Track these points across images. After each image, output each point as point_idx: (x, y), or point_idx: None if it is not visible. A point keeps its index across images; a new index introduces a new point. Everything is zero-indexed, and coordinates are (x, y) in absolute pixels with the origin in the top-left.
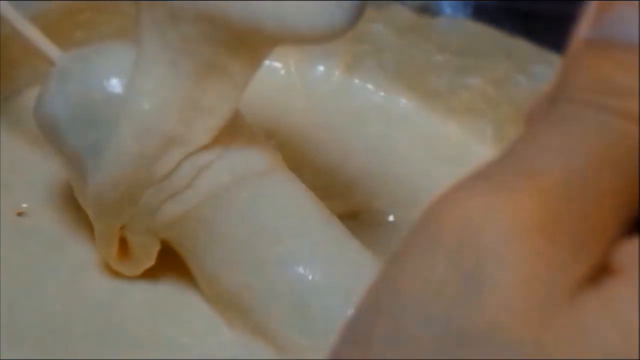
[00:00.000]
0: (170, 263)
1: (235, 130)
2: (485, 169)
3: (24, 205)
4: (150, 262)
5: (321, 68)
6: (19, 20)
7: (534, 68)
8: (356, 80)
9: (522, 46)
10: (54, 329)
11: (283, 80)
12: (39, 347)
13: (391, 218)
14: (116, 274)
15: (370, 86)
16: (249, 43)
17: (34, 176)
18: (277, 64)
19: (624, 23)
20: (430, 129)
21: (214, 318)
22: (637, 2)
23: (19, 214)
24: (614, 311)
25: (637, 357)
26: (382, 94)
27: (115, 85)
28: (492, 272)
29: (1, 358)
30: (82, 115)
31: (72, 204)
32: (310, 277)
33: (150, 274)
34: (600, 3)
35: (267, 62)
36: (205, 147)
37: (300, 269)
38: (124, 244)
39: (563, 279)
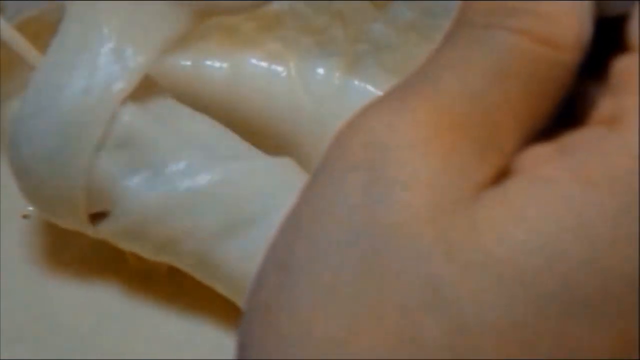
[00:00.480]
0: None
1: None
2: (390, 91)
3: (30, 208)
4: None
5: (321, 69)
6: (2, 25)
7: None
8: (356, 82)
9: None
10: (57, 331)
11: (284, 83)
12: (41, 347)
13: None
14: (120, 277)
15: (370, 86)
16: None
17: None
18: (278, 67)
19: None
20: None
21: (219, 319)
22: None
23: (24, 217)
24: (510, 204)
25: (535, 246)
26: (382, 94)
27: None
28: (396, 183)
29: (4, 358)
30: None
31: None
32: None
33: (153, 278)
34: None
35: (267, 65)
36: None
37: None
38: None
39: (463, 183)
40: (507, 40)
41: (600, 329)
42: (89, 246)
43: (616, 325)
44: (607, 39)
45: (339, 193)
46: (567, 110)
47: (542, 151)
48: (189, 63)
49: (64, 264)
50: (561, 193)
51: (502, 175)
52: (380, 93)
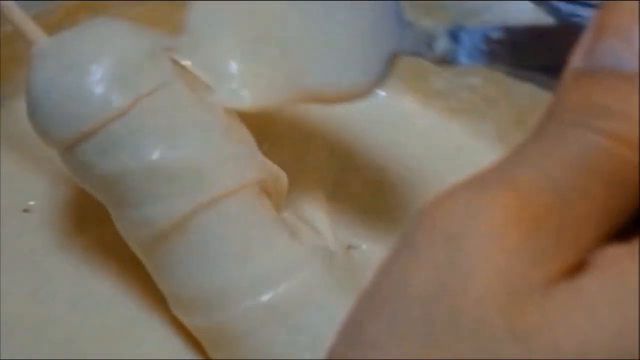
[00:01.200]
0: None
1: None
2: (474, 176)
3: (31, 202)
4: None
5: None
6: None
7: None
8: None
9: None
10: (57, 326)
11: None
12: (41, 343)
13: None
14: (121, 274)
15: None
16: None
17: (41, 173)
18: None
19: (615, 54)
20: (431, 128)
21: None
22: (626, 34)
23: (25, 211)
24: (583, 300)
25: (603, 342)
26: (383, 94)
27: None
28: (471, 266)
29: (4, 354)
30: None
31: (77, 202)
32: (287, 295)
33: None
34: (592, 36)
35: None
36: None
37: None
38: None
39: (537, 273)
40: (594, 141)
41: None
42: (90, 241)
43: None
44: None
45: (413, 276)
46: None
47: (618, 251)
48: None
49: (64, 259)
50: (631, 292)
51: (576, 269)
52: (382, 94)
